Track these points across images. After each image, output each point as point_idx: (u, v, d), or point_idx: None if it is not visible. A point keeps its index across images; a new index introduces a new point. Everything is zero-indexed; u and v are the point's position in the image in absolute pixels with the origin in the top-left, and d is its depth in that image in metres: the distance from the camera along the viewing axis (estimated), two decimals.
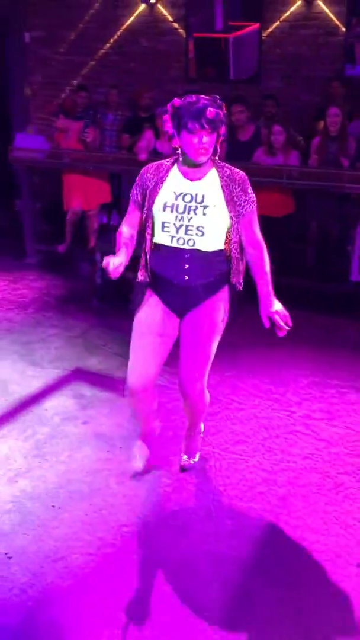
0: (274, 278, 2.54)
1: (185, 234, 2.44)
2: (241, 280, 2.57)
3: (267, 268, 2.52)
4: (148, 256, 2.55)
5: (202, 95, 2.42)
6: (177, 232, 2.45)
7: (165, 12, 6.93)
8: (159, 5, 6.91)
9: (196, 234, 2.44)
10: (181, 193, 2.45)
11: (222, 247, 2.51)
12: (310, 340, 4.21)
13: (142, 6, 6.94)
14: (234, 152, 5.60)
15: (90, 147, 5.93)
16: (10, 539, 2.43)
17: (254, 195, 2.51)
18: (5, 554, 2.36)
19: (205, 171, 2.48)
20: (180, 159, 2.49)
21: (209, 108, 2.34)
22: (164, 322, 2.56)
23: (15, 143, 6.12)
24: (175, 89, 6.85)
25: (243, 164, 5.20)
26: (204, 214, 2.42)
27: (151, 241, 2.53)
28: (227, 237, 2.50)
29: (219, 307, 2.55)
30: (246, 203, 2.48)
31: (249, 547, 2.43)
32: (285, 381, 3.72)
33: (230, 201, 2.45)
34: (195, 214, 2.42)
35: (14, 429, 3.16)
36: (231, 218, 2.47)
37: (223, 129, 2.42)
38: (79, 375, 3.75)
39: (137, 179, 2.58)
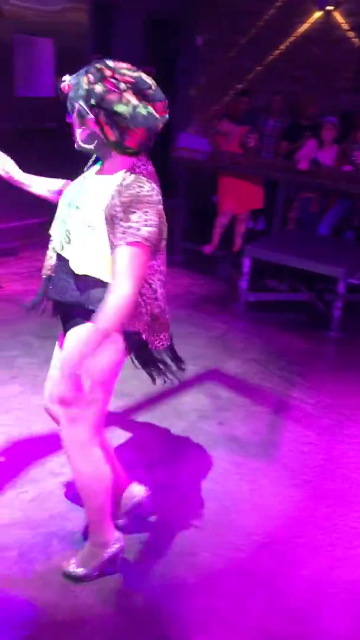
0: None
1: (61, 234, 1.98)
2: (140, 328, 1.95)
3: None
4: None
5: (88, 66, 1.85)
6: (58, 228, 1.99)
7: (341, 20, 6.80)
8: (336, 13, 6.79)
9: (65, 239, 1.94)
10: (76, 183, 2.00)
11: (95, 275, 1.89)
12: None
13: (318, 13, 6.86)
14: None
15: (250, 152, 5.96)
16: (143, 526, 2.50)
17: (140, 228, 1.77)
18: (139, 538, 2.43)
19: (115, 168, 1.88)
20: None
21: (65, 82, 1.84)
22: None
23: (178, 142, 6.30)
24: (342, 100, 6.74)
25: None
26: (74, 218, 1.92)
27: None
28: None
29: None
30: (121, 233, 1.78)
31: (346, 587, 2.32)
32: None
33: (109, 220, 1.81)
34: (70, 214, 1.92)
35: (154, 418, 3.26)
36: (110, 241, 1.83)
37: (92, 110, 1.76)
38: (216, 375, 3.79)
39: None
